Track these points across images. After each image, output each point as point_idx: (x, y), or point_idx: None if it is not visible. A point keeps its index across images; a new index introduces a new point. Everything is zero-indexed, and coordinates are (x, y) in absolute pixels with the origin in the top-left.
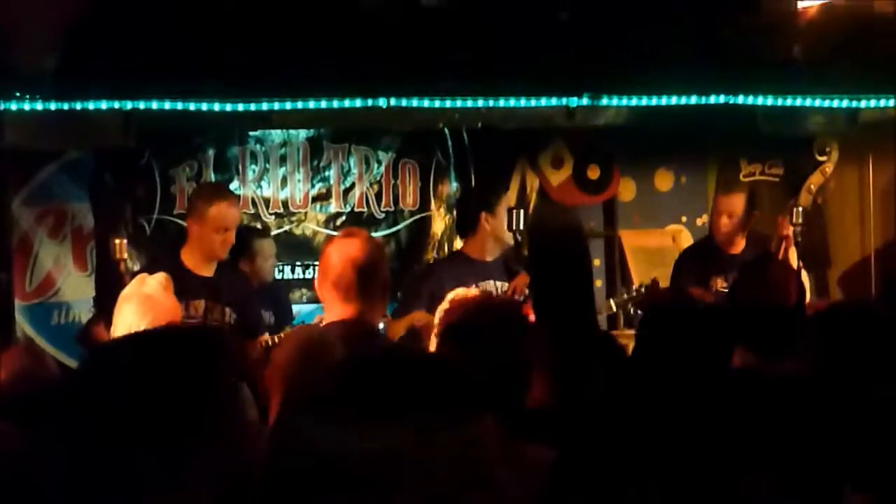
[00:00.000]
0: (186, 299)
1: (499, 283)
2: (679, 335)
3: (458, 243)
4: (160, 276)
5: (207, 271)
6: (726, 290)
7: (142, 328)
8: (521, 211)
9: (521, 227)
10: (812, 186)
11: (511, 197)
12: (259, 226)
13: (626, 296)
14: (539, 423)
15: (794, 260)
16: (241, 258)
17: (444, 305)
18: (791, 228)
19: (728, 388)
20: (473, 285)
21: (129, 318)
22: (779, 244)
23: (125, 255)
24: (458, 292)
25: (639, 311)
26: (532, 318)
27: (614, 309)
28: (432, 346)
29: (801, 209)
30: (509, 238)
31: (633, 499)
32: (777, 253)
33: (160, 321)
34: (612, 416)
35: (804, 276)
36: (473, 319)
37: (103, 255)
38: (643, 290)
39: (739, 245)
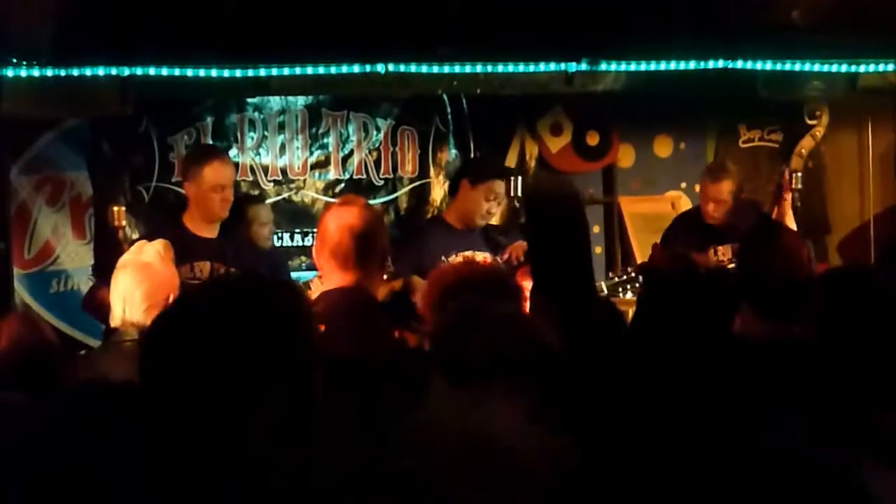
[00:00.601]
0: (191, 261)
1: (478, 253)
2: (679, 299)
3: None
4: (158, 244)
5: (210, 233)
6: (720, 260)
7: (136, 296)
8: (519, 178)
9: (519, 193)
10: (803, 151)
11: (510, 163)
12: (255, 192)
13: (616, 278)
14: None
15: (791, 224)
16: (238, 225)
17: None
18: (788, 193)
19: (728, 352)
20: (454, 253)
21: (123, 286)
22: (772, 209)
23: (124, 223)
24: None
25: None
26: (525, 285)
27: (605, 291)
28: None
29: (799, 175)
30: (475, 220)
31: (634, 467)
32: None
33: (156, 289)
34: (614, 382)
35: None
36: (463, 287)
37: (102, 223)
38: (632, 272)
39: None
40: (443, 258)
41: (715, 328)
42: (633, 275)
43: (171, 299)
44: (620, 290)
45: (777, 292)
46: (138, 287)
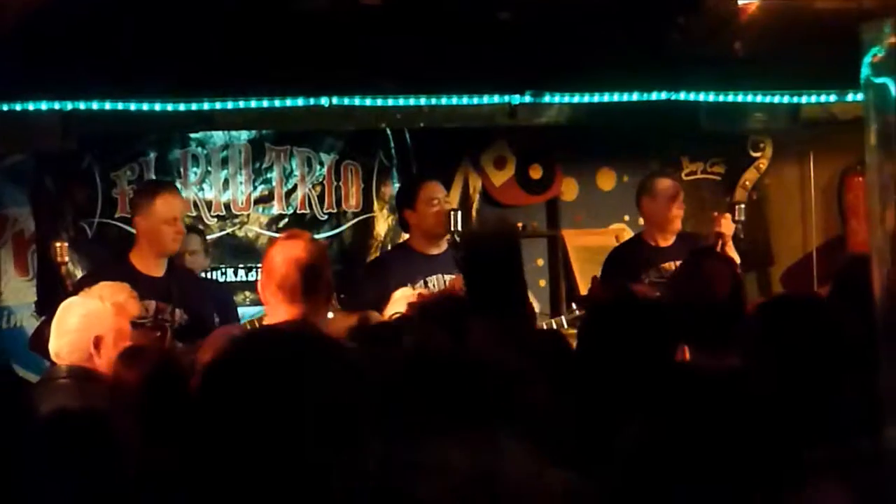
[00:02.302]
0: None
1: (447, 277)
2: (617, 330)
3: None
4: (109, 288)
5: (157, 271)
6: (658, 281)
7: (67, 325)
8: (458, 212)
9: (459, 228)
10: (747, 182)
11: (454, 198)
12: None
13: (577, 312)
14: None
15: (734, 256)
16: (174, 257)
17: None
18: (729, 226)
19: (669, 383)
20: (421, 280)
21: (58, 323)
22: (715, 241)
23: (66, 259)
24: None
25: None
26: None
27: (566, 325)
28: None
29: (742, 206)
30: (439, 230)
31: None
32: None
33: (84, 326)
34: (556, 414)
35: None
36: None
37: (44, 259)
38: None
39: (669, 240)
40: (409, 286)
41: (655, 358)
42: None
43: (92, 340)
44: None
45: (699, 323)
46: (69, 318)
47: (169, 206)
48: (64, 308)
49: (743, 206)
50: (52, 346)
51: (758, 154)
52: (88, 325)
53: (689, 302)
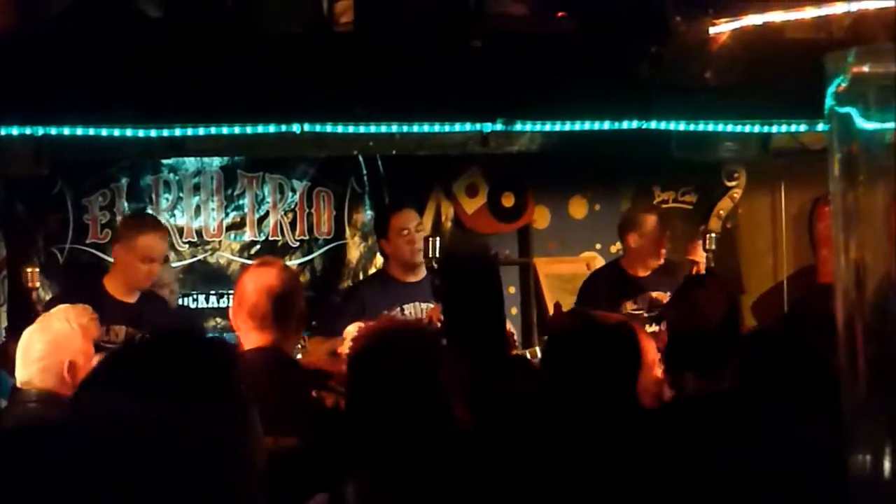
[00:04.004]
0: (108, 324)
1: (424, 305)
2: (580, 357)
3: (374, 271)
4: (73, 309)
5: (130, 298)
6: (636, 313)
7: (32, 353)
8: (436, 239)
9: (437, 254)
10: (721, 212)
11: (426, 225)
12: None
13: None
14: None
15: None
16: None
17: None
18: (702, 254)
19: (633, 410)
20: (398, 307)
21: (24, 341)
22: (689, 270)
23: (37, 284)
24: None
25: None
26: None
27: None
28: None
29: (713, 235)
30: (413, 259)
31: None
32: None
33: (54, 350)
34: (527, 440)
35: None
36: (381, 348)
37: (15, 284)
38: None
39: (648, 269)
40: (386, 313)
41: (618, 384)
42: None
43: (66, 365)
44: None
45: (694, 349)
46: (36, 345)
47: (150, 247)
48: (29, 334)
49: (713, 235)
50: (22, 374)
51: (732, 183)
52: (58, 349)
53: (684, 328)
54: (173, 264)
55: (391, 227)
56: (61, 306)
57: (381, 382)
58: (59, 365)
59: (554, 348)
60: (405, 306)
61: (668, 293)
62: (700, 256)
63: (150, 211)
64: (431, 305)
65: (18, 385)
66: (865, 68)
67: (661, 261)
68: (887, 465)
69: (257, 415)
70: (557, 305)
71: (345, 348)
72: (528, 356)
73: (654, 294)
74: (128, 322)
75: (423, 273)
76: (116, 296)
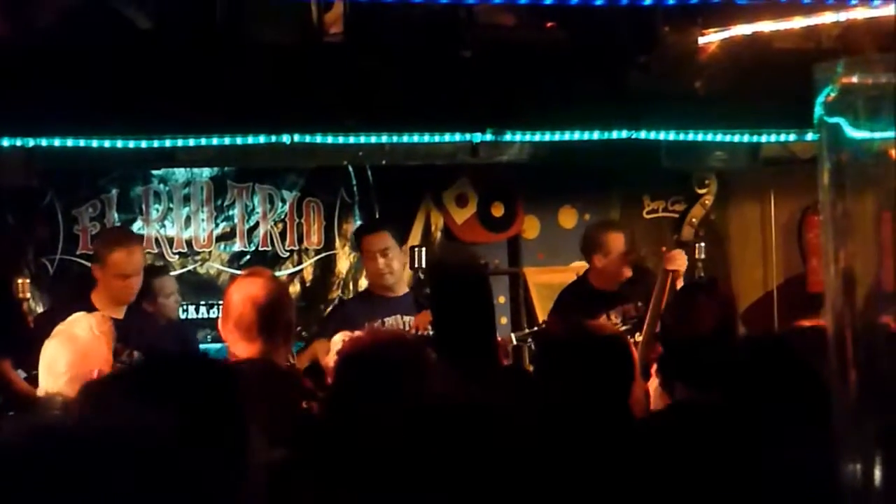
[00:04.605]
0: None
1: (406, 318)
2: (572, 366)
3: (363, 282)
4: (93, 317)
5: (117, 313)
6: (614, 324)
7: (59, 366)
8: (423, 249)
9: (423, 265)
10: (693, 220)
11: (416, 235)
12: (158, 264)
13: (527, 329)
14: None
15: None
16: (144, 298)
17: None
18: (679, 261)
19: (626, 421)
20: (380, 321)
21: (48, 355)
22: (665, 278)
23: (27, 295)
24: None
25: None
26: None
27: (514, 342)
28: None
29: (703, 245)
30: (378, 280)
31: None
32: (664, 288)
33: (80, 361)
34: (518, 452)
35: None
36: (368, 358)
37: (5, 295)
38: (545, 324)
39: (615, 283)
40: (367, 324)
41: (610, 394)
42: (544, 326)
43: (96, 374)
44: (530, 341)
45: (681, 358)
46: (62, 357)
47: (122, 264)
48: (54, 347)
49: (703, 244)
50: (48, 384)
51: (703, 190)
52: (85, 360)
53: (675, 338)
54: None
55: (363, 248)
56: (79, 315)
57: (368, 391)
58: (88, 375)
59: (549, 357)
60: (386, 319)
61: (641, 303)
62: (677, 264)
63: (139, 221)
64: (413, 318)
65: (43, 394)
66: (854, 78)
67: (628, 274)
68: (878, 474)
69: (255, 433)
70: (551, 317)
71: (330, 359)
72: (514, 340)
73: (626, 306)
74: (115, 337)
75: (403, 289)
76: (103, 311)
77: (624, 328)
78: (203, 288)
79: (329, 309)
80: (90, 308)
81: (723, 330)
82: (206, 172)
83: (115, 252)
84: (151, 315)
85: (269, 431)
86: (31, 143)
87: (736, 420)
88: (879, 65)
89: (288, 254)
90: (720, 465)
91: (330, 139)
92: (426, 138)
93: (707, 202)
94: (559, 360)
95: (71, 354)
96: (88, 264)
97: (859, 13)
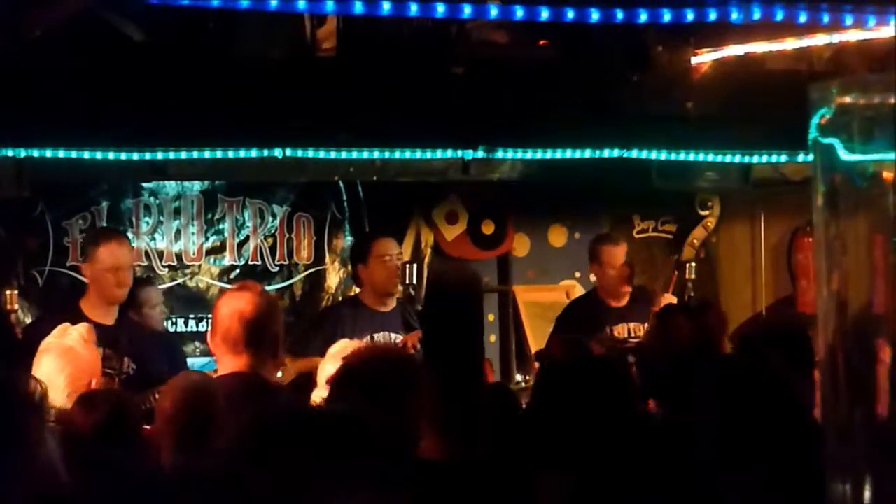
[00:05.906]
0: None
1: (394, 335)
2: (575, 387)
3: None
4: (81, 327)
5: (108, 320)
6: (611, 341)
7: (59, 381)
8: (414, 265)
9: (415, 281)
10: (695, 241)
11: (406, 251)
12: (144, 275)
13: (523, 384)
14: (431, 476)
15: None
16: (129, 308)
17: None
18: (672, 298)
19: (625, 437)
20: (368, 336)
21: (46, 370)
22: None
23: (16, 307)
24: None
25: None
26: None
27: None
28: (321, 393)
29: (693, 265)
30: (389, 287)
31: None
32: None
33: (79, 374)
34: (504, 470)
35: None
36: (370, 370)
37: None
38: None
39: (624, 298)
40: (355, 339)
41: (613, 414)
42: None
43: (93, 384)
44: None
45: (653, 377)
46: (62, 372)
47: (112, 256)
48: (49, 364)
49: (693, 264)
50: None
51: (706, 212)
52: (82, 374)
53: (648, 358)
54: None
55: (372, 253)
56: (65, 326)
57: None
58: (86, 387)
59: (549, 376)
60: (376, 335)
61: (643, 323)
62: (671, 299)
63: (129, 234)
64: (401, 336)
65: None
66: (849, 99)
67: (626, 289)
68: (867, 489)
69: None
70: (554, 336)
71: (329, 367)
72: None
73: (632, 324)
74: (105, 344)
75: (393, 304)
76: (93, 318)
77: (629, 345)
78: (192, 301)
79: (319, 315)
80: (79, 316)
81: (699, 351)
82: (197, 186)
83: (102, 245)
84: (141, 324)
85: None
86: (22, 154)
87: (701, 441)
88: (875, 85)
89: (278, 268)
90: (680, 487)
91: (321, 154)
92: (417, 155)
93: (710, 224)
94: (560, 380)
95: (71, 368)
96: (78, 276)
97: (852, 35)
